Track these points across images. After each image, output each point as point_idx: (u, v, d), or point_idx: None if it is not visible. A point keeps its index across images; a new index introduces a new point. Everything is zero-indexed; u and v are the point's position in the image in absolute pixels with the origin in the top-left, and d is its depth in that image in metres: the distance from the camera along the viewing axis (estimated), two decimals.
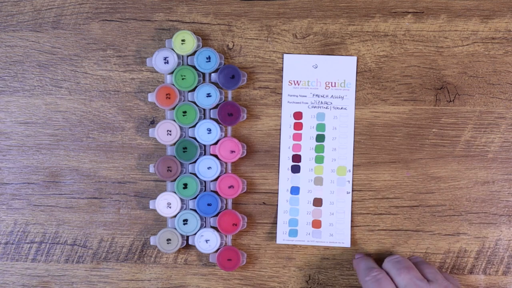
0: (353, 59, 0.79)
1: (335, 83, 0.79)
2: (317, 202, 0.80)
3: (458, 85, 0.79)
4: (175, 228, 0.78)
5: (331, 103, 0.79)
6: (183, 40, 0.77)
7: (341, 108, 0.79)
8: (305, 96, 0.79)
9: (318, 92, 0.79)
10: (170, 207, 0.78)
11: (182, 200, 0.79)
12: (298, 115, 0.79)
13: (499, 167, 0.79)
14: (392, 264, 0.74)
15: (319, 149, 0.79)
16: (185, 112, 0.78)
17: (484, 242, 0.79)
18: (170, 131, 0.78)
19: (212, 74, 0.78)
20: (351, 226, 0.79)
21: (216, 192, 0.79)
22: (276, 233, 0.80)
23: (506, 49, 0.79)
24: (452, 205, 0.79)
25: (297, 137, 0.79)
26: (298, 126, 0.79)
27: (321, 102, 0.79)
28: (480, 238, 0.79)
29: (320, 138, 0.79)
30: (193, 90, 0.78)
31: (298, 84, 0.79)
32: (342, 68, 0.79)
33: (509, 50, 0.79)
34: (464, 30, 0.79)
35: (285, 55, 0.79)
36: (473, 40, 0.79)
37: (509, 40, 0.79)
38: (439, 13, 0.79)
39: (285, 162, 0.80)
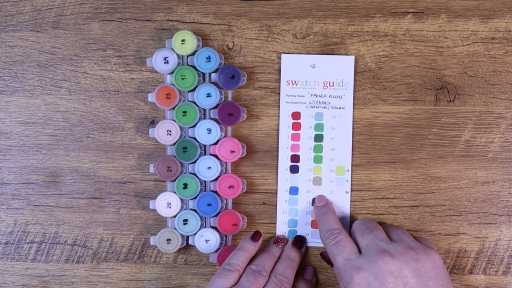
0: (351, 58, 0.79)
1: (333, 82, 0.79)
2: None
3: (458, 85, 0.79)
4: (175, 228, 0.78)
5: (329, 103, 0.79)
6: (183, 40, 0.77)
7: (339, 108, 0.79)
8: (303, 96, 0.79)
9: (316, 92, 0.79)
10: (170, 207, 0.78)
11: (182, 200, 0.79)
12: (296, 115, 0.79)
13: (499, 167, 0.79)
14: (358, 226, 0.75)
15: (318, 149, 0.79)
16: (185, 112, 0.78)
17: (484, 242, 0.79)
18: (170, 131, 0.78)
19: (212, 74, 0.78)
20: (349, 227, 0.79)
21: (216, 192, 0.79)
22: (275, 233, 0.80)
23: (506, 49, 0.79)
24: (452, 205, 0.79)
25: (296, 137, 0.79)
26: (296, 126, 0.79)
27: (319, 102, 0.79)
28: (480, 238, 0.79)
29: (318, 138, 0.79)
30: (193, 90, 0.78)
31: (296, 84, 0.79)
32: (340, 68, 0.79)
33: (509, 50, 0.79)
34: (464, 30, 0.79)
35: (282, 55, 0.79)
36: (473, 40, 0.79)
37: (509, 40, 0.79)
38: (439, 13, 0.79)
39: (284, 162, 0.80)
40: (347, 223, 0.79)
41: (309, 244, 0.80)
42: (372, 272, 0.68)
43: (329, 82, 0.79)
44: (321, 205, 0.78)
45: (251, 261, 0.76)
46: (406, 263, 0.68)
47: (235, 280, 0.73)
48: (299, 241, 0.78)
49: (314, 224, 0.80)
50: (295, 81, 0.79)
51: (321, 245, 0.79)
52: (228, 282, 0.72)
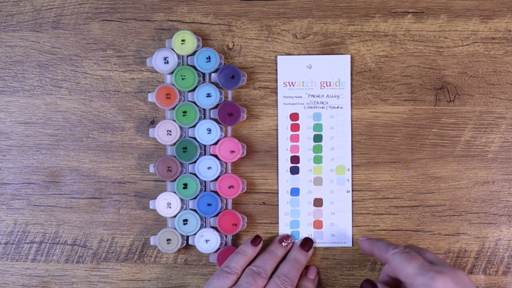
0: (347, 57, 0.79)
1: (330, 82, 0.79)
2: (318, 202, 0.80)
3: (458, 85, 0.79)
4: (175, 228, 0.78)
5: (327, 103, 0.79)
6: (183, 40, 0.77)
7: (337, 107, 0.79)
8: (301, 97, 0.79)
9: (314, 92, 0.79)
10: (170, 207, 0.78)
11: (182, 200, 0.79)
12: (294, 116, 0.79)
13: (499, 167, 0.79)
14: (413, 249, 0.73)
15: (317, 149, 0.79)
16: (185, 112, 0.78)
17: (484, 242, 0.79)
18: (170, 131, 0.78)
19: (212, 74, 0.78)
20: (352, 226, 0.79)
21: (216, 192, 0.79)
22: (277, 234, 0.80)
23: (506, 49, 0.79)
24: (452, 205, 0.79)
25: (295, 138, 0.79)
26: (295, 127, 0.79)
27: (317, 102, 0.79)
28: (480, 238, 0.79)
29: (317, 138, 0.79)
30: (193, 90, 0.78)
31: (293, 85, 0.79)
32: (337, 67, 0.79)
33: (509, 50, 0.79)
34: (464, 30, 0.79)
35: (278, 56, 0.79)
36: (473, 40, 0.79)
37: (509, 40, 0.79)
38: (439, 13, 0.79)
39: (284, 164, 0.80)
40: (349, 222, 0.79)
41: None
42: (454, 278, 0.66)
43: (326, 82, 0.79)
44: (367, 239, 0.77)
45: (252, 261, 0.76)
46: (471, 283, 0.68)
47: (233, 282, 0.73)
48: (307, 244, 0.78)
49: (316, 225, 0.80)
50: (292, 82, 0.79)
51: (324, 245, 0.79)
52: (226, 284, 0.72)
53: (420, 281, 0.67)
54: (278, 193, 0.80)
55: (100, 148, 0.80)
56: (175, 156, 0.78)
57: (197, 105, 0.78)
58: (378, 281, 0.74)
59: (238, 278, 0.74)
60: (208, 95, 0.78)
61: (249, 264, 0.76)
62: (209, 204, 0.78)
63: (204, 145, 0.79)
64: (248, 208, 0.80)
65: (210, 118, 0.78)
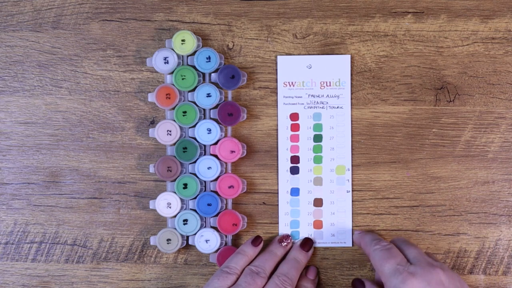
0: (347, 57, 0.79)
1: (330, 82, 0.79)
2: (318, 202, 0.80)
3: (458, 85, 0.79)
4: (175, 228, 0.78)
5: (327, 103, 0.79)
6: (183, 40, 0.77)
7: (337, 107, 0.79)
8: (301, 97, 0.79)
9: (314, 92, 0.79)
10: (170, 207, 0.78)
11: (182, 200, 0.79)
12: (294, 116, 0.79)
13: (499, 167, 0.79)
14: (399, 243, 0.75)
15: (317, 149, 0.79)
16: (185, 112, 0.78)
17: (484, 242, 0.79)
18: (170, 131, 0.78)
19: (212, 74, 0.78)
20: (352, 226, 0.79)
21: (216, 192, 0.79)
22: (277, 234, 0.80)
23: (506, 49, 0.79)
24: (452, 205, 0.79)
25: (295, 138, 0.79)
26: (295, 127, 0.79)
27: (317, 102, 0.79)
28: (480, 238, 0.79)
29: (317, 138, 0.79)
30: (193, 90, 0.78)
31: (293, 85, 0.79)
32: (337, 67, 0.79)
33: (509, 50, 0.79)
34: (464, 30, 0.79)
35: (278, 56, 0.79)
36: (473, 40, 0.79)
37: (509, 40, 0.79)
38: (439, 13, 0.79)
39: (284, 164, 0.80)
40: (349, 222, 0.79)
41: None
42: (425, 279, 0.68)
43: (326, 82, 0.79)
44: (360, 232, 0.79)
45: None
46: (452, 278, 0.69)
47: (233, 282, 0.73)
48: (308, 244, 0.78)
49: (316, 225, 0.80)
50: (292, 82, 0.79)
51: (324, 245, 0.79)
52: (226, 284, 0.73)
53: (393, 283, 0.69)
54: (278, 193, 0.80)
55: (100, 148, 0.80)
56: (175, 156, 0.78)
57: (197, 105, 0.78)
58: (368, 279, 0.76)
59: (238, 279, 0.74)
60: (208, 95, 0.78)
61: (248, 264, 0.76)
62: (209, 204, 0.78)
63: (204, 145, 0.79)
64: (248, 208, 0.80)
65: (210, 118, 0.78)
